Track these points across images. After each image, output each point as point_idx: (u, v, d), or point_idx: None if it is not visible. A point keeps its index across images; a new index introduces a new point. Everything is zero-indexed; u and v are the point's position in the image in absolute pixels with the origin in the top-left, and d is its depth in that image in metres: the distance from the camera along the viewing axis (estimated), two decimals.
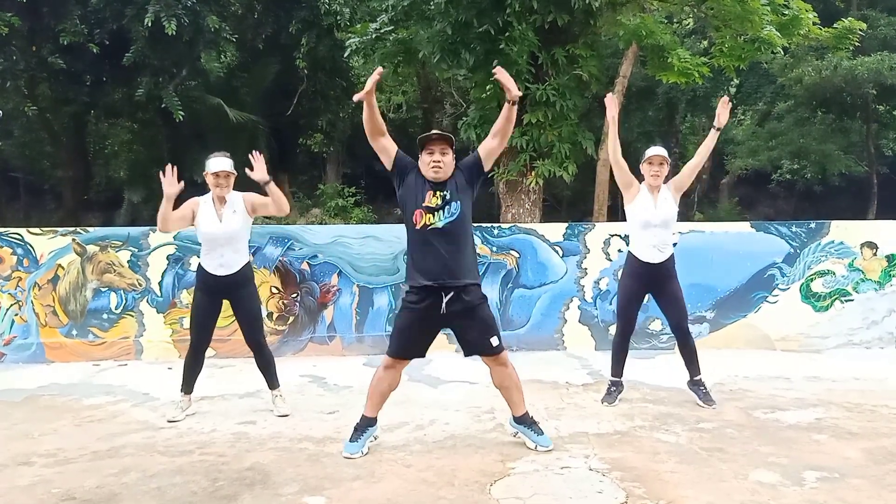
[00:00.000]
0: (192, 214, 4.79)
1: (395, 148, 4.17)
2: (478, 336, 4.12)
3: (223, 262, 4.78)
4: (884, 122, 20.98)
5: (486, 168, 4.23)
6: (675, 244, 5.15)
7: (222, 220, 4.76)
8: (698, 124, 25.25)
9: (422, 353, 4.25)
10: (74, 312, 6.77)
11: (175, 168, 4.69)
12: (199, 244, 4.88)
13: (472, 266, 4.15)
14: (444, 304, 4.00)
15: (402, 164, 4.15)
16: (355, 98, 4.02)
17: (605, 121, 5.12)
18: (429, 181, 4.04)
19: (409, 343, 4.15)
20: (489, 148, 4.20)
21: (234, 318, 4.99)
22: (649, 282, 5.09)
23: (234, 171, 4.84)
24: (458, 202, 4.04)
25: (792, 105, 21.64)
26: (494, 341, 4.11)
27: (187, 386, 4.95)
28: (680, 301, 5.08)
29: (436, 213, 3.99)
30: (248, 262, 4.95)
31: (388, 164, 4.17)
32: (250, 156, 4.81)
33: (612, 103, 5.13)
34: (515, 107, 4.13)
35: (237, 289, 4.84)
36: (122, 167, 21.38)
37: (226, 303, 4.90)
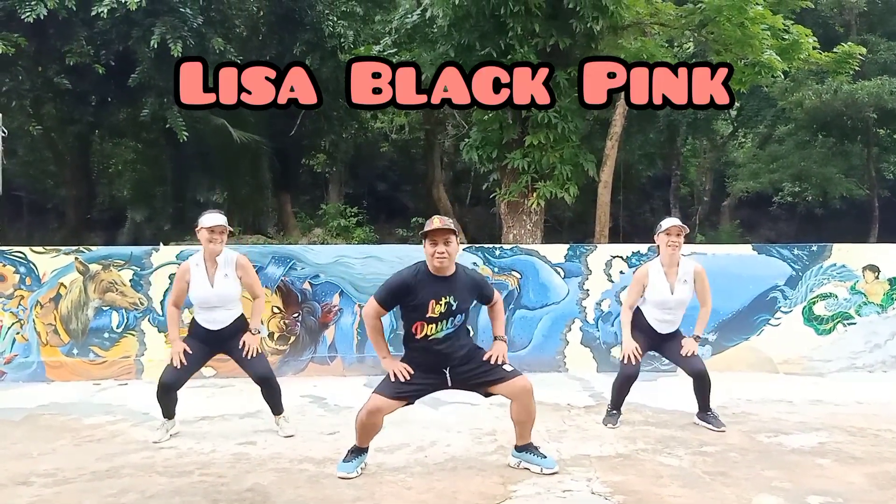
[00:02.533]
0: (186, 282, 4.78)
1: (382, 310, 4.11)
2: (487, 372, 4.10)
3: (215, 318, 4.81)
4: (884, 145, 21.07)
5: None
6: None
7: (214, 285, 4.76)
8: (699, 147, 25.38)
9: (412, 402, 4.20)
10: (76, 331, 6.76)
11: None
12: None
13: (467, 346, 4.17)
14: (448, 379, 4.09)
15: (394, 299, 4.08)
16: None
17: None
18: (433, 280, 3.99)
19: (404, 392, 4.09)
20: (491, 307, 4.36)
21: None
22: (654, 343, 5.13)
23: (230, 228, 4.85)
24: (462, 315, 4.06)
25: (793, 128, 21.75)
26: (507, 367, 4.12)
27: (167, 413, 4.90)
28: (688, 353, 5.04)
29: (438, 323, 3.98)
30: (241, 314, 4.95)
31: (387, 310, 4.15)
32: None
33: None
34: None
35: (230, 339, 4.84)
36: (125, 186, 21.50)
37: None
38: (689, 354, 4.98)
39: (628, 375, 5.08)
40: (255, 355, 4.85)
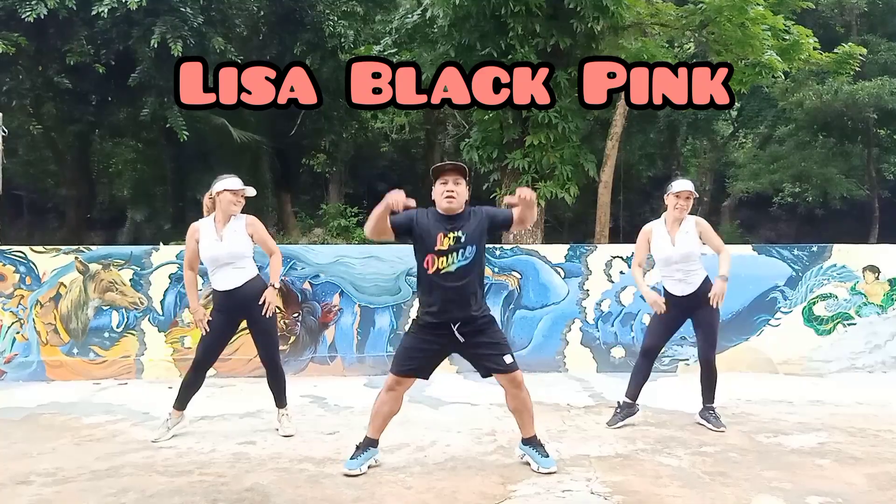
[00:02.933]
0: (196, 243, 4.80)
1: (391, 227, 4.07)
2: (489, 356, 4.10)
3: (227, 278, 4.78)
4: (885, 146, 21.08)
5: (511, 231, 4.32)
6: (706, 277, 5.05)
7: (223, 240, 4.76)
8: (699, 147, 25.38)
9: (426, 375, 4.22)
10: (76, 331, 6.76)
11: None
12: (202, 263, 4.87)
13: (482, 298, 4.15)
14: (456, 332, 4.02)
15: (403, 226, 4.08)
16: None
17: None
18: (441, 219, 4.03)
19: (414, 363, 4.12)
20: (519, 221, 4.12)
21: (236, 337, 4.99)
22: (685, 310, 5.06)
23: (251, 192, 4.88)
24: (475, 246, 4.03)
25: (793, 129, 21.75)
26: (507, 359, 4.10)
27: (181, 403, 4.89)
28: (710, 332, 5.02)
29: (448, 256, 3.98)
30: (257, 275, 4.89)
31: (394, 237, 4.11)
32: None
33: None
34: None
35: (252, 304, 4.79)
36: (125, 186, 21.52)
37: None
38: (717, 302, 4.89)
39: (645, 349, 5.09)
40: (270, 337, 4.88)
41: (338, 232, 18.36)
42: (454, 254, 3.98)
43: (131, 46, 13.64)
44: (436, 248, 3.98)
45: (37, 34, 13.52)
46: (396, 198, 3.84)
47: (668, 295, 5.08)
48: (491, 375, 4.17)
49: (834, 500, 3.71)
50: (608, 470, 4.18)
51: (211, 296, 4.98)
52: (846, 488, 3.89)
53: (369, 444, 4.20)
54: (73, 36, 13.56)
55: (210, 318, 4.81)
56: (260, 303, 4.78)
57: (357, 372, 6.87)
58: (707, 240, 5.05)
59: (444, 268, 3.98)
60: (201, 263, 4.88)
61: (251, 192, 4.87)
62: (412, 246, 4.17)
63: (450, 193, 3.99)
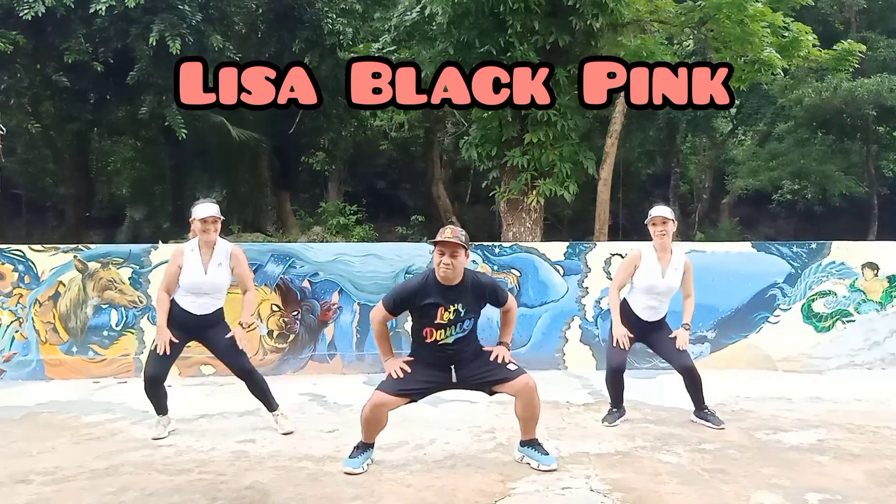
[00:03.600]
0: (180, 265, 4.76)
1: (389, 315, 4.18)
2: (492, 370, 4.13)
3: (203, 304, 4.79)
4: (884, 143, 21.07)
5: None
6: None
7: (207, 272, 4.76)
8: (699, 144, 25.36)
9: (416, 400, 4.21)
10: (75, 329, 6.76)
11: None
12: None
13: (475, 344, 4.22)
14: (454, 376, 4.12)
15: (402, 305, 4.13)
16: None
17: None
18: (441, 289, 4.02)
19: (410, 387, 4.11)
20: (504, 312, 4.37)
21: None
22: (641, 333, 5.10)
23: (221, 217, 4.84)
24: (472, 320, 4.10)
25: (792, 126, 21.73)
26: (512, 366, 4.15)
27: (161, 410, 4.91)
28: (673, 344, 5.03)
29: (447, 329, 4.03)
30: (222, 307, 4.94)
31: (395, 315, 4.21)
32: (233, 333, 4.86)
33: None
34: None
35: (209, 327, 4.83)
36: (124, 184, 21.50)
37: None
38: (681, 348, 4.96)
39: (614, 368, 5.06)
40: (235, 349, 4.86)
41: (337, 230, 18.36)
42: (453, 327, 4.05)
43: (129, 44, 13.62)
44: (436, 322, 4.02)
45: (35, 32, 13.50)
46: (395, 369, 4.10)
47: (633, 316, 5.09)
48: (497, 393, 4.20)
49: (833, 497, 3.72)
50: (607, 467, 4.19)
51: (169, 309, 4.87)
52: (845, 485, 3.89)
53: (366, 446, 4.21)
54: (72, 34, 13.54)
55: (172, 337, 4.75)
56: (227, 336, 4.80)
57: (356, 370, 6.87)
58: (685, 282, 5.11)
59: (442, 340, 4.06)
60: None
61: (218, 216, 4.79)
62: (412, 315, 4.21)
63: (446, 266, 3.97)
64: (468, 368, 4.14)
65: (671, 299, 5.13)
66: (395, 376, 4.07)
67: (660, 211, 5.02)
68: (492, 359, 4.15)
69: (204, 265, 4.75)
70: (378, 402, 4.07)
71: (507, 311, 4.35)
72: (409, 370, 4.09)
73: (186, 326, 4.80)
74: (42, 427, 5.15)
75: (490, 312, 4.50)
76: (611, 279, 6.97)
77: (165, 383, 6.19)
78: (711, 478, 4.01)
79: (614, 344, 5.01)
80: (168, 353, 4.71)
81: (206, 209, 4.75)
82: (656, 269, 4.99)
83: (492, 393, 4.25)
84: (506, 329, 4.40)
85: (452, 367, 4.13)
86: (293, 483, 3.95)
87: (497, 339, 4.37)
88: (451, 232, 4.01)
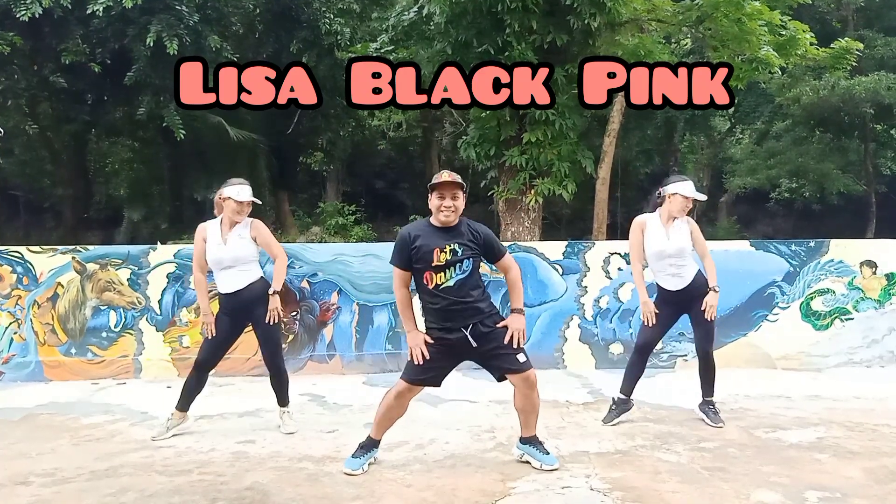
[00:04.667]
0: (203, 242, 4.83)
1: (403, 270, 4.11)
2: (504, 355, 4.08)
3: (231, 280, 4.80)
4: (881, 141, 21.09)
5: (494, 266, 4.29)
6: (698, 270, 5.08)
7: (227, 244, 4.77)
8: (697, 143, 25.39)
9: (439, 384, 4.18)
10: (73, 331, 6.75)
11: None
12: None
13: (486, 302, 4.12)
14: (469, 337, 4.00)
15: (406, 252, 4.06)
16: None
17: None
18: (437, 231, 4.01)
19: (430, 373, 4.08)
20: (503, 270, 4.27)
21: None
22: (680, 305, 5.06)
23: (258, 201, 4.90)
24: (471, 260, 4.03)
25: (790, 124, 21.76)
26: (521, 357, 4.10)
27: (183, 404, 4.90)
28: (708, 325, 5.00)
29: (446, 271, 3.98)
30: (261, 278, 4.91)
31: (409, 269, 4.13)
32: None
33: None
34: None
35: (255, 306, 4.82)
36: (122, 185, 21.46)
37: None
38: (710, 316, 4.92)
39: (641, 346, 5.08)
40: (275, 342, 4.91)
41: (335, 230, 18.36)
42: (451, 268, 3.98)
43: (127, 45, 13.62)
44: (433, 265, 3.97)
45: (32, 33, 13.49)
46: (416, 351, 4.02)
47: (661, 291, 5.08)
48: (505, 378, 4.15)
49: (832, 495, 3.72)
50: (607, 466, 4.19)
51: (217, 297, 4.97)
52: (844, 482, 3.90)
53: (372, 444, 4.21)
54: (69, 35, 13.54)
55: (214, 321, 4.83)
56: (266, 320, 4.80)
57: (356, 370, 6.87)
58: (696, 240, 5.09)
59: (443, 283, 3.99)
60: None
61: (256, 201, 4.89)
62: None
63: (447, 209, 3.97)
64: (486, 338, 4.02)
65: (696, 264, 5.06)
66: (416, 360, 4.00)
67: (699, 195, 5.07)
68: (506, 341, 4.04)
69: (224, 238, 4.78)
70: (403, 390, 4.08)
71: (507, 270, 4.21)
72: (429, 355, 4.02)
73: (232, 310, 4.83)
74: (41, 428, 5.15)
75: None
76: (609, 278, 7.01)
77: (166, 384, 6.23)
78: (711, 476, 4.01)
79: (643, 320, 5.01)
80: (215, 335, 4.78)
81: (244, 192, 4.76)
82: (660, 232, 5.00)
83: (500, 378, 4.17)
84: (515, 294, 4.21)
85: (467, 328, 4.00)
86: (293, 483, 3.95)
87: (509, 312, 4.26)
88: (448, 175, 4.01)
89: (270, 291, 4.83)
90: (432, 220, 4.06)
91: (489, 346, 4.04)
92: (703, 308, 4.94)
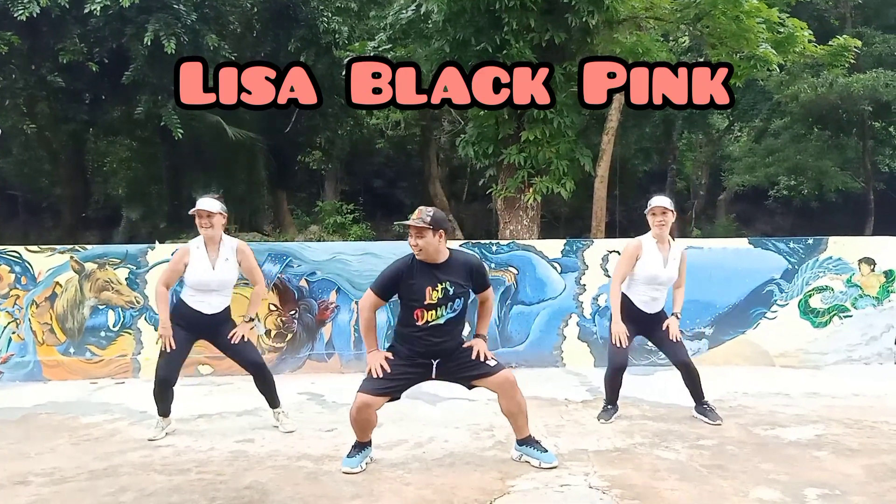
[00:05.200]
0: (185, 263, 4.74)
1: (379, 301, 4.19)
2: (473, 365, 4.13)
3: (211, 302, 4.79)
4: (880, 138, 21.09)
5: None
6: None
7: (215, 268, 4.75)
8: (695, 141, 25.39)
9: (398, 397, 4.19)
10: (72, 330, 6.75)
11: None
12: None
13: (460, 337, 4.21)
14: (434, 370, 4.11)
15: (390, 288, 4.14)
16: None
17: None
18: (429, 269, 4.03)
19: (391, 384, 4.08)
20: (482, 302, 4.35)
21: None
22: (643, 326, 5.11)
23: (222, 213, 4.78)
24: (462, 299, 4.08)
25: (788, 122, 21.76)
26: (492, 361, 4.14)
27: (164, 410, 4.89)
28: (673, 339, 5.05)
29: (437, 309, 4.01)
30: (229, 305, 4.94)
31: (385, 301, 4.21)
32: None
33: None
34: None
35: (217, 326, 4.82)
36: (120, 185, 21.43)
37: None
38: (676, 339, 4.98)
39: (617, 367, 5.07)
40: (244, 342, 4.85)
41: (334, 229, 18.35)
42: (443, 307, 4.02)
43: (124, 44, 13.60)
44: (425, 303, 4.00)
45: (29, 33, 13.47)
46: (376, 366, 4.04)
47: (634, 309, 5.09)
48: (476, 387, 4.21)
49: (831, 492, 3.73)
50: (606, 464, 4.19)
51: (174, 311, 4.83)
52: (843, 480, 3.91)
53: (363, 446, 4.21)
54: (66, 34, 13.52)
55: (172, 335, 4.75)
56: (229, 336, 4.78)
57: (354, 369, 6.85)
58: (681, 271, 5.15)
59: (433, 321, 4.03)
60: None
61: (219, 213, 4.75)
62: (399, 297, 4.18)
63: (415, 247, 4.02)
64: (449, 362, 4.11)
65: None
66: (374, 374, 4.03)
67: (659, 201, 5.03)
68: (473, 357, 4.12)
69: (211, 262, 4.74)
70: (362, 404, 4.03)
71: (486, 300, 4.33)
72: (389, 369, 4.04)
73: (196, 326, 4.79)
74: (40, 428, 5.15)
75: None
76: (608, 276, 7.00)
77: None
78: (710, 474, 4.02)
79: (613, 341, 5.01)
80: (174, 348, 4.70)
81: (200, 202, 4.74)
82: (658, 259, 5.00)
83: (471, 387, 4.25)
84: (482, 321, 4.37)
85: (436, 360, 4.09)
86: (292, 482, 3.95)
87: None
88: (416, 213, 4.03)
89: (245, 318, 4.85)
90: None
91: (450, 366, 4.12)
92: (664, 329, 5.02)
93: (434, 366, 4.12)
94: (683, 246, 5.19)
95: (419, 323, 4.03)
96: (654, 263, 4.99)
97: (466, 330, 4.36)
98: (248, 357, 4.88)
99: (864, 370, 6.85)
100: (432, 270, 4.02)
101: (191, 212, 4.74)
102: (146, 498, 3.75)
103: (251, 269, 4.92)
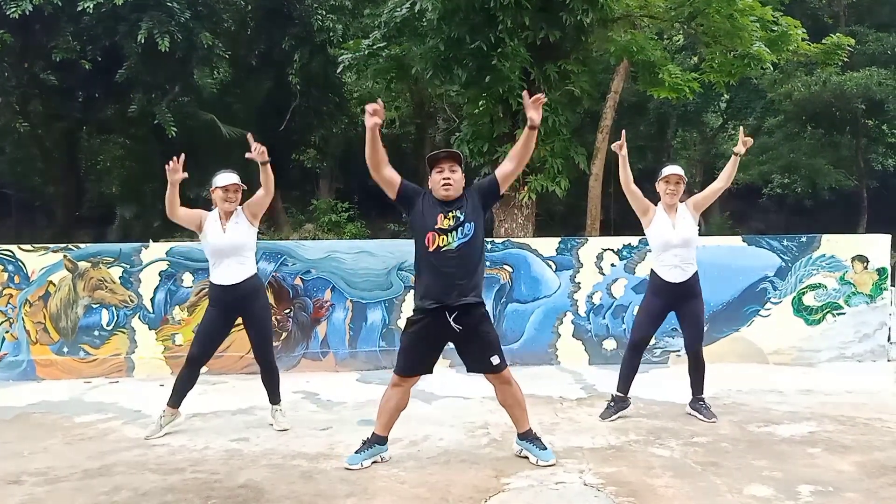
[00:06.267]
0: (200, 222, 4.84)
1: (399, 178, 4.16)
2: (478, 354, 4.14)
3: (228, 272, 4.80)
4: (873, 136, 21.16)
5: (502, 191, 4.27)
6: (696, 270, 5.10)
7: (226, 231, 4.80)
8: (689, 139, 25.44)
9: (430, 370, 4.22)
10: (66, 329, 6.72)
11: (182, 157, 4.78)
12: (192, 261, 4.88)
13: (480, 284, 4.16)
14: (451, 322, 4.02)
15: (408, 193, 4.16)
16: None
17: (620, 153, 5.13)
18: (439, 203, 4.05)
19: (416, 360, 4.15)
20: (506, 172, 4.21)
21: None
22: (673, 300, 5.06)
23: (244, 185, 4.90)
24: (473, 223, 4.06)
25: (782, 120, 21.81)
26: (495, 360, 4.13)
27: (175, 400, 4.88)
28: (699, 322, 5.06)
29: (449, 234, 4.00)
30: (255, 273, 4.94)
31: (393, 195, 4.16)
32: (248, 137, 4.95)
33: (621, 146, 5.12)
34: (535, 132, 4.12)
35: (249, 301, 4.84)
36: (114, 183, 21.37)
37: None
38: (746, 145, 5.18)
39: (635, 342, 5.12)
40: (265, 338, 4.94)
41: (329, 227, 18.33)
42: (455, 232, 4.01)
43: (118, 42, 13.57)
44: (437, 227, 4.00)
45: (22, 31, 13.42)
46: (375, 115, 3.88)
47: (657, 282, 5.07)
48: (475, 373, 4.24)
49: (824, 489, 3.74)
50: (601, 461, 4.20)
51: (207, 290, 4.95)
52: (836, 476, 3.92)
53: (377, 440, 4.21)
54: (59, 32, 13.48)
55: (205, 314, 4.86)
56: (248, 155, 4.81)
57: (349, 367, 6.86)
58: (703, 198, 5.19)
59: (444, 245, 4.00)
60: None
61: (240, 185, 4.90)
62: (411, 225, 4.19)
63: (446, 181, 4.02)
64: (468, 327, 4.04)
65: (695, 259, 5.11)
66: (371, 111, 3.86)
67: (674, 169, 5.08)
68: (483, 350, 4.14)
69: (223, 227, 4.81)
70: (394, 381, 4.15)
71: (508, 159, 4.21)
72: (414, 345, 4.10)
73: (224, 303, 4.83)
74: (34, 427, 5.12)
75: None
76: (603, 274, 7.02)
77: (159, 383, 6.20)
78: (704, 471, 4.03)
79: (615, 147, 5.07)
80: (208, 330, 4.83)
81: (227, 178, 4.83)
82: (667, 222, 5.01)
83: (469, 370, 4.30)
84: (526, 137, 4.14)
85: (452, 312, 4.00)
86: (287, 481, 3.95)
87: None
88: (445, 150, 4.07)
89: (261, 161, 4.86)
90: (434, 195, 4.09)
91: (469, 337, 4.09)
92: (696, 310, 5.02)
93: (451, 321, 4.00)
94: (683, 205, 5.17)
95: (430, 249, 4.01)
96: (664, 228, 5.01)
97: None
98: (262, 352, 4.95)
99: (857, 367, 6.88)
100: (445, 204, 4.06)
101: (218, 186, 4.78)
102: (140, 497, 3.74)
103: (258, 195, 4.92)
